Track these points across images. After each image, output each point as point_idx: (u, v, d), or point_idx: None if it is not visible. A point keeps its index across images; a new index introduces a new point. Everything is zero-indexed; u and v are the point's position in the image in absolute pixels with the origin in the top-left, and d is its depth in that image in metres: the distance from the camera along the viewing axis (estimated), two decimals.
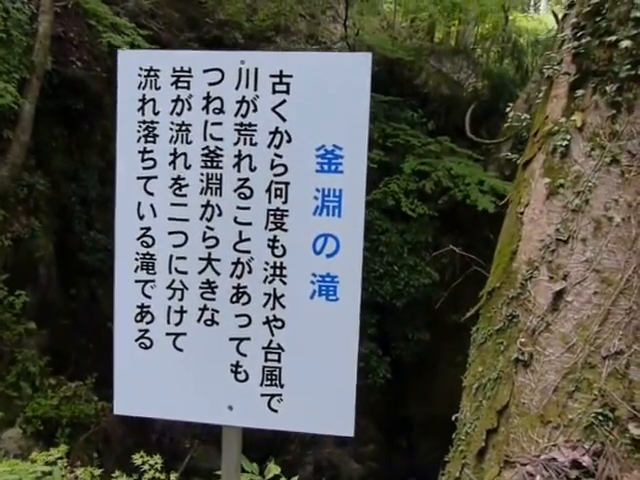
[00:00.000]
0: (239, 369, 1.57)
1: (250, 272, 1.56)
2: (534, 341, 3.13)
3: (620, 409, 2.94)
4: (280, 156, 1.55)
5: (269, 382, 1.56)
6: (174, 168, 1.58)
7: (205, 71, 1.57)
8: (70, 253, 7.72)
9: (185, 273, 1.59)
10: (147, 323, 1.62)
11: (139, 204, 1.60)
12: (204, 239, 1.58)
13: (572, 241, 3.11)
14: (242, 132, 1.55)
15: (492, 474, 3.10)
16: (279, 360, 1.56)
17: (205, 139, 1.56)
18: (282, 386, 1.56)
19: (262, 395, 1.57)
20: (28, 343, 6.76)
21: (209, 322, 1.58)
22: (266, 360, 1.56)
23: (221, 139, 1.56)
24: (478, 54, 12.74)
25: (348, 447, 8.50)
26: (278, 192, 1.55)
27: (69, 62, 7.21)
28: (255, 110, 1.55)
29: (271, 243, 1.55)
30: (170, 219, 1.59)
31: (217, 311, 1.58)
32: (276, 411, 1.56)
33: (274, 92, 1.55)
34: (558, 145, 3.25)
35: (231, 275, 1.57)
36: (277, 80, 1.55)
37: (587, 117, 3.19)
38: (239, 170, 1.56)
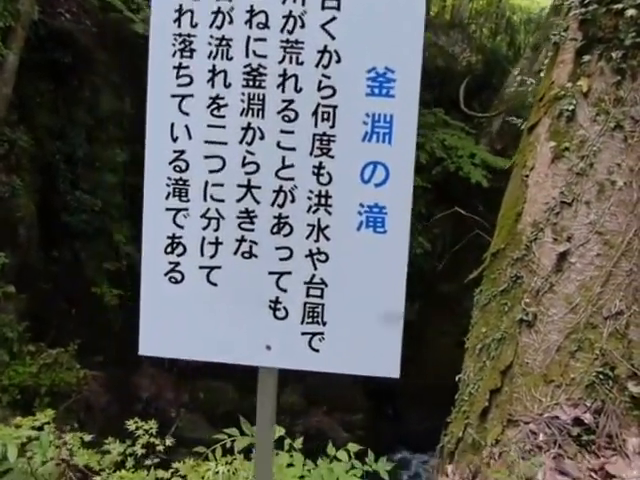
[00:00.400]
0: (278, 305, 1.47)
1: (293, 201, 1.45)
2: (538, 302, 3.12)
3: (620, 368, 2.96)
4: (328, 77, 1.43)
5: (310, 319, 1.46)
6: (212, 86, 1.45)
7: None
8: (53, 213, 7.47)
9: (221, 201, 1.47)
10: (178, 255, 1.49)
11: (172, 125, 1.47)
12: (243, 164, 1.46)
13: (576, 204, 3.11)
14: (288, 50, 1.43)
15: (495, 433, 3.09)
16: (322, 296, 1.45)
17: (247, 56, 1.44)
18: (324, 324, 1.45)
19: (303, 333, 1.46)
20: (6, 307, 6.57)
21: (247, 254, 1.47)
22: (308, 296, 1.46)
23: (265, 56, 1.44)
24: (472, 29, 12.63)
25: (337, 416, 8.46)
26: (325, 116, 1.43)
27: (57, 13, 6.97)
28: (302, 26, 1.43)
29: (316, 170, 1.44)
30: (206, 142, 1.47)
31: (256, 243, 1.47)
32: (317, 351, 1.46)
33: (323, 8, 1.43)
34: (564, 109, 3.24)
35: (272, 204, 1.46)
36: None
37: (593, 83, 3.18)
38: (283, 91, 1.44)
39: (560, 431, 2.80)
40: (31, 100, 7.23)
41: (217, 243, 1.48)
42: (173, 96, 1.46)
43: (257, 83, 1.44)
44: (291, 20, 1.43)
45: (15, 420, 2.95)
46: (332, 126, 1.43)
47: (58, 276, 7.48)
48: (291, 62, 1.43)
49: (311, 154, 1.44)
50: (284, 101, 1.44)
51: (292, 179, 1.45)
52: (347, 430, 7.94)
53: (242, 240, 1.47)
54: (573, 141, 3.12)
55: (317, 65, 1.43)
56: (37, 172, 7.34)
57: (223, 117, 1.45)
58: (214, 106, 1.45)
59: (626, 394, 2.93)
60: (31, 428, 2.86)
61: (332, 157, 1.44)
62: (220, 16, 1.44)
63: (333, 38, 1.42)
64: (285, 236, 1.46)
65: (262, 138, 1.45)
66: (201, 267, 1.49)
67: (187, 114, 1.46)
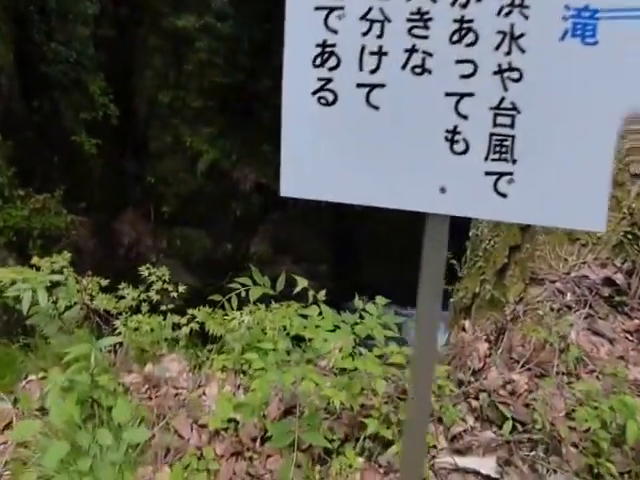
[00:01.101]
0: (457, 137, 1.08)
1: (479, 0, 1.05)
2: None
3: None
4: None
5: (497, 156, 1.07)
6: None
7: None
8: (31, 65, 7.14)
9: None
10: (330, 69, 1.07)
11: None
12: None
13: None
14: None
15: (517, 290, 2.95)
16: (512, 125, 1.06)
17: None
18: (514, 162, 1.07)
19: (487, 173, 1.08)
20: None
21: (418, 70, 1.06)
22: (495, 125, 1.06)
23: None
24: None
25: (303, 265, 8.51)
26: None
27: None
28: None
29: None
30: None
31: (430, 54, 1.05)
32: (504, 196, 1.08)
33: None
34: None
35: (452, 3, 1.03)
36: None
37: None
38: None
39: (590, 291, 2.67)
40: None
41: (380, 54, 1.05)
42: None
43: None
44: None
45: (33, 260, 2.82)
46: None
47: (40, 125, 7.38)
48: None
49: None
50: None
51: None
52: (312, 279, 8.16)
53: (413, 50, 1.04)
54: None
55: None
56: (12, 22, 6.92)
57: None
58: None
59: None
60: (51, 272, 2.74)
61: None
62: None
63: None
64: (468, 46, 1.04)
65: None
66: (359, 85, 1.07)
67: None
